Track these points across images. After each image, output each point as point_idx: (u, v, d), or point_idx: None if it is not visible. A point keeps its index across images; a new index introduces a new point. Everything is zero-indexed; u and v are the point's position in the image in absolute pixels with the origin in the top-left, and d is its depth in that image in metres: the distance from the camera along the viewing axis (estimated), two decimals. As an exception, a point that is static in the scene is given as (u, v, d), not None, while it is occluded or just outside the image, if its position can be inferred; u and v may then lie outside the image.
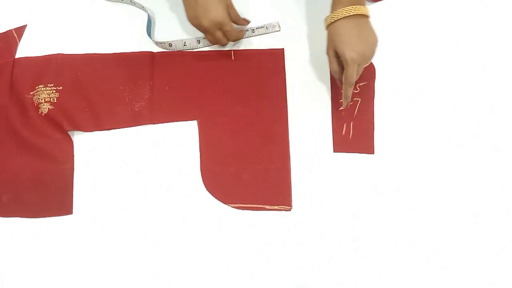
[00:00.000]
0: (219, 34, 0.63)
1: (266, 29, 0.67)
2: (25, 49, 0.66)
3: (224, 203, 0.62)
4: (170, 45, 0.66)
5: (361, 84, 0.65)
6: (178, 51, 0.67)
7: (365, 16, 0.58)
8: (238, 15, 0.64)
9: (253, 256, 0.60)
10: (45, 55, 0.66)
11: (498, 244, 0.61)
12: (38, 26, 0.68)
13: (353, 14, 0.56)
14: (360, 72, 0.59)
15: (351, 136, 0.64)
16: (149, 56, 0.66)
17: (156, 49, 0.67)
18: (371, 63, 0.66)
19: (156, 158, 0.63)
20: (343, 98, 0.61)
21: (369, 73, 0.66)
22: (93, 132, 0.63)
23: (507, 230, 0.61)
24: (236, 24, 0.65)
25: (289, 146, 0.63)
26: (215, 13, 0.60)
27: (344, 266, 0.60)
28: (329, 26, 0.59)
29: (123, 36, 0.67)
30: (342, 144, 0.63)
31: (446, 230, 0.61)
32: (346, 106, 0.62)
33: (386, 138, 0.64)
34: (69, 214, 0.61)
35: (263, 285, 0.59)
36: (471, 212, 0.61)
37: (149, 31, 0.67)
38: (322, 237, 0.60)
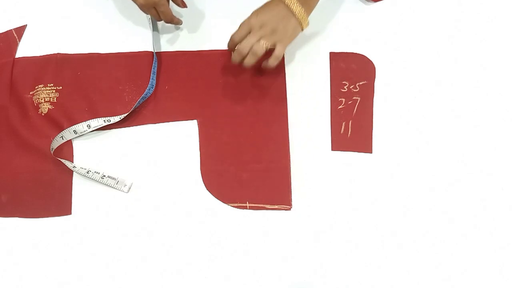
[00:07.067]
0: (153, 12, 0.63)
1: (116, 183, 0.61)
2: (25, 49, 0.66)
3: (224, 203, 0.61)
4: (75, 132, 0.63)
5: (360, 83, 0.66)
6: (179, 51, 0.67)
7: (295, 17, 0.59)
8: None
9: (253, 256, 0.60)
10: (45, 55, 0.66)
11: (498, 244, 0.61)
12: (38, 26, 0.68)
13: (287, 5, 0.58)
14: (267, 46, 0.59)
15: (350, 134, 0.64)
16: (149, 56, 0.66)
17: (156, 49, 0.67)
18: (371, 62, 0.66)
19: (156, 157, 0.63)
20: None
21: (369, 73, 0.66)
22: (93, 132, 0.63)
23: (507, 230, 0.61)
24: (175, 3, 0.65)
25: (289, 146, 0.63)
26: None
27: (344, 265, 0.60)
28: None
29: (123, 36, 0.67)
30: (340, 142, 0.63)
31: (445, 230, 0.61)
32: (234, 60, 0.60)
33: (384, 138, 0.64)
34: (68, 214, 0.61)
35: (263, 284, 0.59)
36: (470, 212, 0.62)
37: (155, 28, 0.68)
38: (322, 236, 0.60)
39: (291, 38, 0.60)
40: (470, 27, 0.69)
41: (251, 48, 0.58)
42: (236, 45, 0.59)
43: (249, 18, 0.59)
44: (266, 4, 0.60)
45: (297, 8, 0.58)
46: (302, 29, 0.60)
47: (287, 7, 0.58)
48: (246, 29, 0.59)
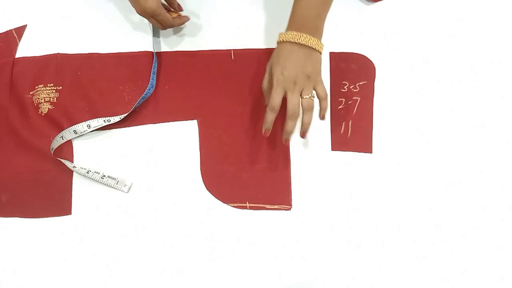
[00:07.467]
0: (152, 21, 0.64)
1: (116, 183, 0.61)
2: (25, 49, 0.66)
3: (224, 203, 0.61)
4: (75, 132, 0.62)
5: (360, 83, 0.66)
6: (179, 51, 0.67)
7: (313, 49, 0.56)
8: (174, 1, 0.66)
9: (253, 256, 0.60)
10: (45, 55, 0.66)
11: (498, 244, 0.61)
12: (38, 26, 0.68)
13: (299, 43, 0.55)
14: (307, 109, 0.56)
15: (350, 135, 0.64)
16: (149, 56, 0.66)
17: (156, 49, 0.67)
18: (371, 62, 0.66)
19: (156, 157, 0.63)
20: (264, 122, 0.57)
21: (369, 72, 0.66)
22: (93, 132, 0.63)
23: (507, 230, 0.61)
24: (172, 8, 0.66)
25: (289, 146, 0.63)
26: (144, 3, 0.60)
27: (344, 265, 0.60)
28: (278, 43, 0.58)
29: (123, 36, 0.67)
30: (340, 142, 0.63)
31: (445, 230, 0.61)
32: (265, 133, 0.57)
33: (384, 138, 0.64)
34: (68, 214, 0.61)
35: (263, 284, 0.59)
36: (470, 212, 0.62)
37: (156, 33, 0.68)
38: (322, 236, 0.60)
39: (320, 68, 0.58)
40: (471, 27, 0.69)
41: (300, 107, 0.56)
42: (276, 113, 0.56)
43: (276, 80, 0.56)
44: (281, 55, 0.56)
45: (311, 41, 0.56)
46: (321, 53, 0.58)
47: (302, 45, 0.56)
48: (280, 93, 0.56)
